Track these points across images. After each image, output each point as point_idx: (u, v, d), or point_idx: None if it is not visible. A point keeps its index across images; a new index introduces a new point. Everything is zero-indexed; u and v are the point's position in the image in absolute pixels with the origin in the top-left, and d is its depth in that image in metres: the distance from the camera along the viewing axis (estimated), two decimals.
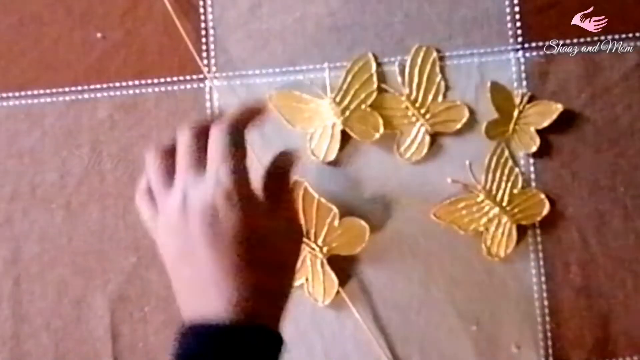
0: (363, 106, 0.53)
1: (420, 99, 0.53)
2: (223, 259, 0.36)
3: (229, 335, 0.35)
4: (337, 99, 0.53)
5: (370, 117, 0.53)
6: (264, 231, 0.37)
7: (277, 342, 0.37)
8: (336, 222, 0.52)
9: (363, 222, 0.52)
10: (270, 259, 0.37)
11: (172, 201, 0.37)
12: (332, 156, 0.53)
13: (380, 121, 0.53)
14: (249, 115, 0.40)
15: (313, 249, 0.52)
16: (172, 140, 0.39)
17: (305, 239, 0.52)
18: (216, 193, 0.36)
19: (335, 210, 0.52)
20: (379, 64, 0.53)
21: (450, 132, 0.53)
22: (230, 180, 0.36)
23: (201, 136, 0.38)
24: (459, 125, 0.53)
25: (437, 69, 0.53)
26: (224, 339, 0.35)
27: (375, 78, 0.53)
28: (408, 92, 0.53)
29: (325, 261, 0.52)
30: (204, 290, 0.36)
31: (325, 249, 0.52)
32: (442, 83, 0.53)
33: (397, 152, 0.53)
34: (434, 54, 0.53)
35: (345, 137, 0.53)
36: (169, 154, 0.39)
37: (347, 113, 0.53)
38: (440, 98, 0.53)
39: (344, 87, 0.53)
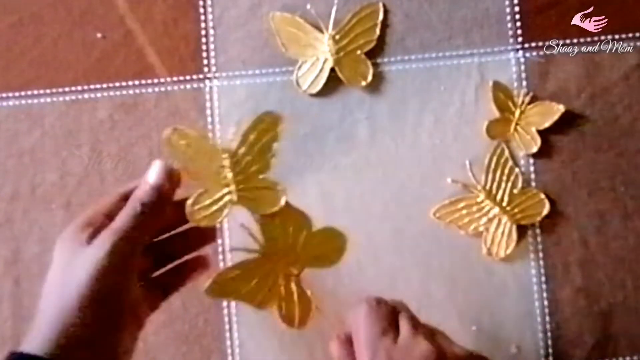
0: (358, 52, 0.53)
1: None
2: (61, 300, 0.37)
3: None
4: (336, 37, 0.53)
5: (362, 65, 0.53)
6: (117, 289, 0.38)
7: None
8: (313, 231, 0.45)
9: (342, 232, 0.46)
10: (113, 319, 0.38)
11: None
12: (314, 89, 0.53)
13: (370, 71, 0.53)
14: None
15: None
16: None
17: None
18: None
19: (310, 220, 0.45)
20: (385, 16, 0.54)
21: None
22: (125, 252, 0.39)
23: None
24: None
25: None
26: None
27: (378, 28, 0.53)
28: None
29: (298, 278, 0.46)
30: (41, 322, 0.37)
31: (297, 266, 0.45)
32: None
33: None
34: None
35: (332, 77, 0.53)
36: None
37: (342, 54, 0.53)
38: None
39: (346, 28, 0.53)
